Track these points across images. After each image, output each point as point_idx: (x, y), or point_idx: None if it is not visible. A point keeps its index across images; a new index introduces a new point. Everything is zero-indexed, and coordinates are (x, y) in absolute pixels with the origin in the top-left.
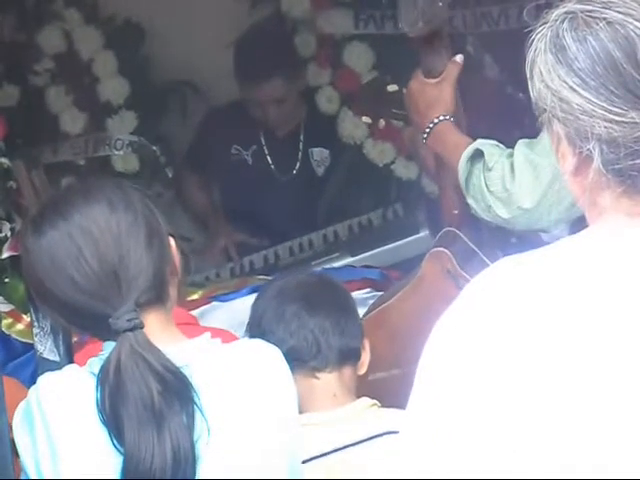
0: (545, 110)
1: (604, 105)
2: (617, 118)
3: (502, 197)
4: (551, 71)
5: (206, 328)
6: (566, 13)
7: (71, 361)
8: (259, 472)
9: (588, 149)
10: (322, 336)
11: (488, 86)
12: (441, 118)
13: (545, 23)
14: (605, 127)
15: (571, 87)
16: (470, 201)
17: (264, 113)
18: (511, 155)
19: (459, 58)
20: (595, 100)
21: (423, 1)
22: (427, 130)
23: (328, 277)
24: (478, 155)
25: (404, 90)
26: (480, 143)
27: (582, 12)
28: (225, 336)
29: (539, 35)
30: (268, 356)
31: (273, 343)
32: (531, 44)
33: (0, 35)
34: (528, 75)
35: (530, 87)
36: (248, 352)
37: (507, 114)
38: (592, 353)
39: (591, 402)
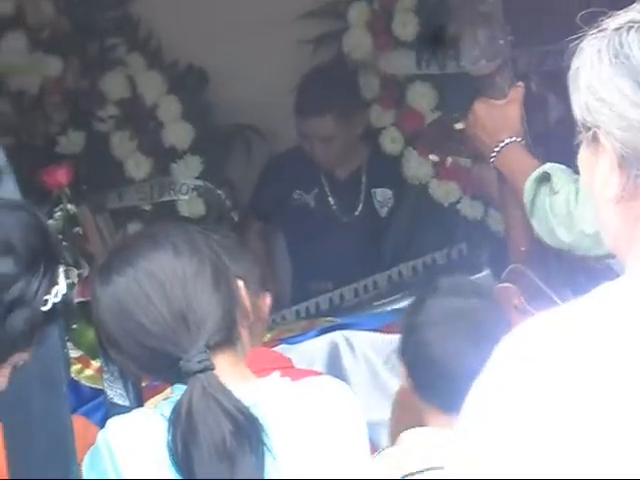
0: (593, 127)
1: None
2: None
3: (565, 221)
4: (608, 83)
5: (304, 371)
6: (631, 22)
7: (141, 405)
8: None
9: None
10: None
11: (553, 125)
12: (511, 140)
13: (599, 32)
14: None
15: (634, 101)
16: (534, 223)
17: (311, 150)
18: (577, 180)
19: (520, 84)
20: None
21: (484, 39)
22: (496, 150)
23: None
24: (545, 178)
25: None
26: (549, 167)
27: None
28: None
29: (590, 44)
30: (338, 392)
31: (435, 372)
32: (578, 53)
33: (64, 82)
34: (571, 87)
35: (573, 100)
36: (317, 389)
37: (573, 153)
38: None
39: None
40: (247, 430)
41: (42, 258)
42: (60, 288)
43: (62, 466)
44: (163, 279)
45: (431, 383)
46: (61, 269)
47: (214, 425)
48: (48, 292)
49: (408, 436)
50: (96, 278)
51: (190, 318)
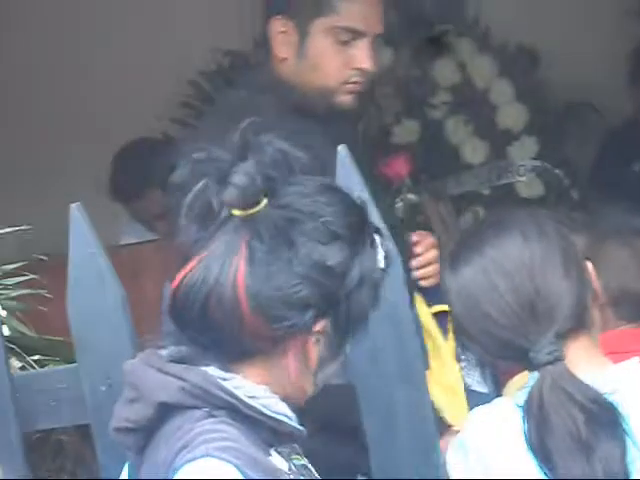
0: None
1: None
2: None
3: None
4: None
5: None
6: None
7: (499, 392)
8: None
9: None
10: None
11: None
12: None
13: None
14: None
15: None
16: None
17: None
18: None
19: None
20: None
21: None
22: None
23: None
24: None
25: None
26: None
27: None
28: None
29: None
30: None
31: None
32: None
33: (396, 72)
34: None
35: None
36: None
37: None
38: None
39: None
40: (602, 419)
41: (362, 233)
42: (381, 252)
43: (425, 457)
44: (511, 268)
45: None
46: (377, 236)
47: (566, 417)
48: (376, 260)
49: None
50: (446, 266)
51: (539, 308)
